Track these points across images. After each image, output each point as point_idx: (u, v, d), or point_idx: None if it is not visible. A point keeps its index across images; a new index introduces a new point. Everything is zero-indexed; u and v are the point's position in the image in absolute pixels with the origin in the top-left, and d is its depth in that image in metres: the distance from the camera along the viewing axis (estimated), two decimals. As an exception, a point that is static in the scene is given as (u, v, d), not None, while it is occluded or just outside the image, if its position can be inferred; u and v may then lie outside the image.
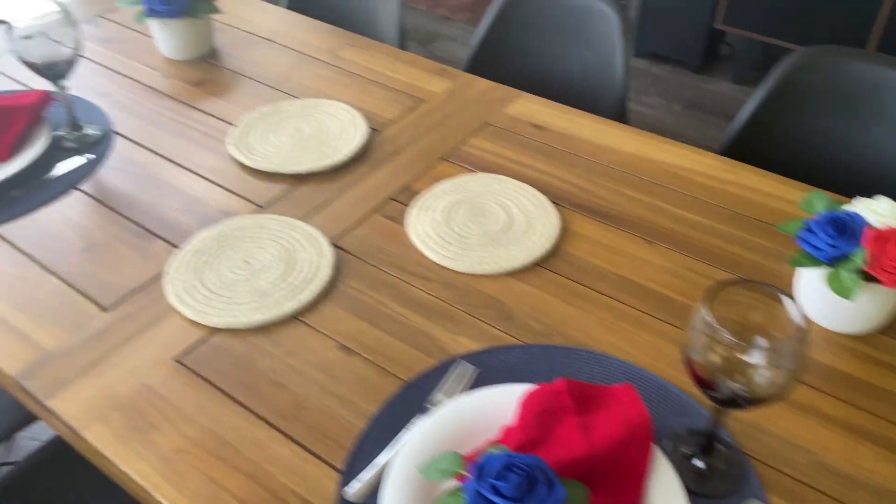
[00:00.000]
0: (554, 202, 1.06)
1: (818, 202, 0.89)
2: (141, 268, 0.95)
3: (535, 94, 1.31)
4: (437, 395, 0.78)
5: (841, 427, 0.77)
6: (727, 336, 0.60)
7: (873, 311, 0.84)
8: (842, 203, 0.88)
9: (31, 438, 1.66)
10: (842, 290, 0.80)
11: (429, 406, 0.78)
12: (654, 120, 2.70)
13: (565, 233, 1.01)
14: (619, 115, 1.41)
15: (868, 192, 1.20)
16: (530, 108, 1.27)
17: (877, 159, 1.22)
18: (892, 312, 0.86)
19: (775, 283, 0.93)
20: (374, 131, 1.21)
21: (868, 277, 0.81)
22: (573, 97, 1.47)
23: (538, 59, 1.51)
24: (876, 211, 0.83)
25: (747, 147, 1.29)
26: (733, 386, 0.63)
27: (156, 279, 0.94)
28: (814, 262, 0.83)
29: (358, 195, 1.08)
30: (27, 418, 1.12)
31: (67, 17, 1.06)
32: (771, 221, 1.03)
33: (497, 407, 0.76)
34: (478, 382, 0.81)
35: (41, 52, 1.07)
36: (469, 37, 3.26)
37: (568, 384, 0.75)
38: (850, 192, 1.20)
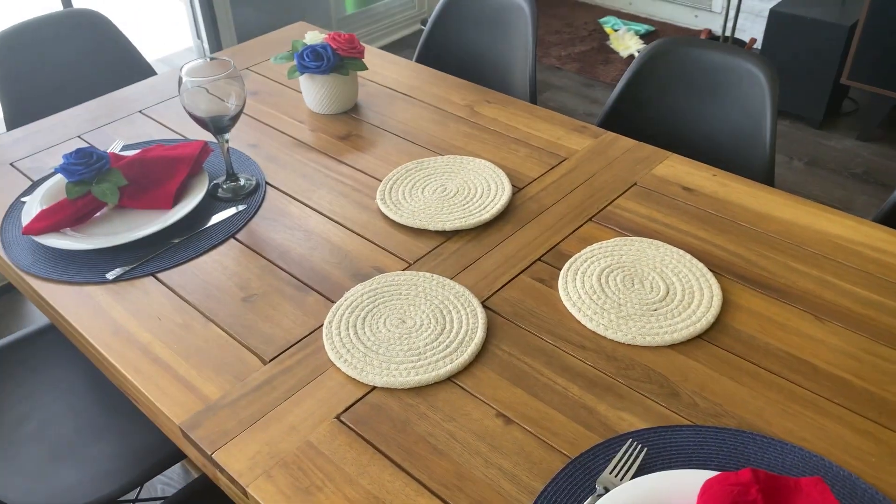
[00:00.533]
0: (713, 271, 1.02)
1: None
2: (298, 320, 0.97)
3: (679, 154, 1.27)
4: (607, 476, 0.75)
5: None
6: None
7: None
8: None
9: (165, 483, 1.71)
10: None
11: (599, 487, 0.74)
12: (777, 176, 2.60)
13: (727, 304, 0.97)
14: (768, 179, 1.36)
15: None
16: (678, 169, 1.23)
17: None
18: None
19: (969, 373, 0.86)
20: (518, 189, 1.20)
21: None
22: (720, 160, 1.43)
23: (681, 118, 1.47)
24: None
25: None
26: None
27: (313, 333, 0.95)
28: None
29: (505, 255, 1.07)
30: (170, 460, 1.15)
31: (235, 75, 1.11)
32: (955, 302, 0.96)
33: (674, 493, 0.72)
34: (646, 464, 0.77)
35: (208, 107, 1.11)
36: (579, 87, 3.25)
37: (754, 475, 0.70)
38: None
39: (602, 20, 3.63)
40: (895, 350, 0.89)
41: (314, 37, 1.38)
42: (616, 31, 3.49)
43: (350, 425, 0.83)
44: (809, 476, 0.73)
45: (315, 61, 1.35)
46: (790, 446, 0.78)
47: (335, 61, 1.36)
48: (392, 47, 3.59)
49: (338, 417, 0.84)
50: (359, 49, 1.38)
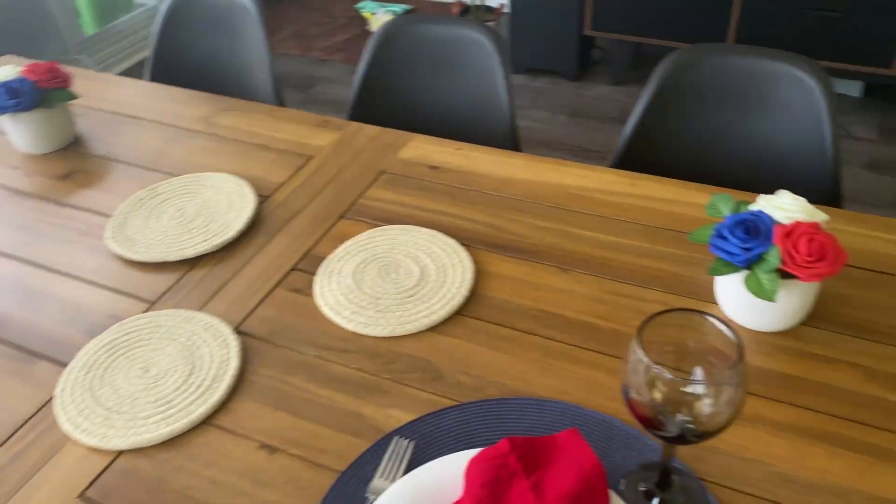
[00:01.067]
0: (464, 244, 1.03)
1: (723, 205, 0.89)
2: (25, 396, 0.85)
3: (425, 132, 1.28)
4: (376, 482, 0.73)
5: (788, 431, 0.76)
6: (665, 373, 0.57)
7: (795, 306, 0.84)
8: (747, 202, 0.88)
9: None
10: (763, 293, 0.79)
11: (369, 496, 0.72)
12: (544, 133, 2.73)
13: (481, 275, 0.98)
14: (511, 138, 1.40)
15: (769, 182, 1.23)
16: (423, 149, 1.23)
17: (768, 149, 1.25)
18: (812, 304, 0.86)
19: (697, 292, 0.93)
20: (264, 199, 1.15)
21: (785, 275, 0.81)
22: (463, 129, 1.45)
23: (422, 95, 1.48)
24: (780, 207, 0.84)
25: (641, 155, 1.30)
26: (681, 421, 0.60)
27: (44, 406, 0.84)
28: (731, 268, 0.82)
29: (257, 272, 1.01)
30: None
31: None
32: (680, 229, 1.03)
33: (442, 483, 0.70)
34: (416, 457, 0.76)
35: None
36: (348, 76, 3.22)
37: (511, 443, 0.70)
38: (753, 186, 1.22)
39: (358, 6, 3.61)
40: (634, 286, 0.95)
41: (8, 72, 1.23)
42: (374, 14, 3.49)
43: (98, 501, 0.74)
44: (566, 429, 0.75)
45: (12, 99, 1.20)
46: (549, 402, 0.80)
47: (37, 95, 1.21)
48: (141, 67, 3.35)
49: (82, 496, 0.75)
50: (62, 77, 1.25)
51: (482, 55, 1.40)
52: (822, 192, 1.21)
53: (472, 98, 1.44)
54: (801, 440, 0.75)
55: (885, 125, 2.64)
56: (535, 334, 0.89)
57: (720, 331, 0.60)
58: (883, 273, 0.94)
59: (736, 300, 0.86)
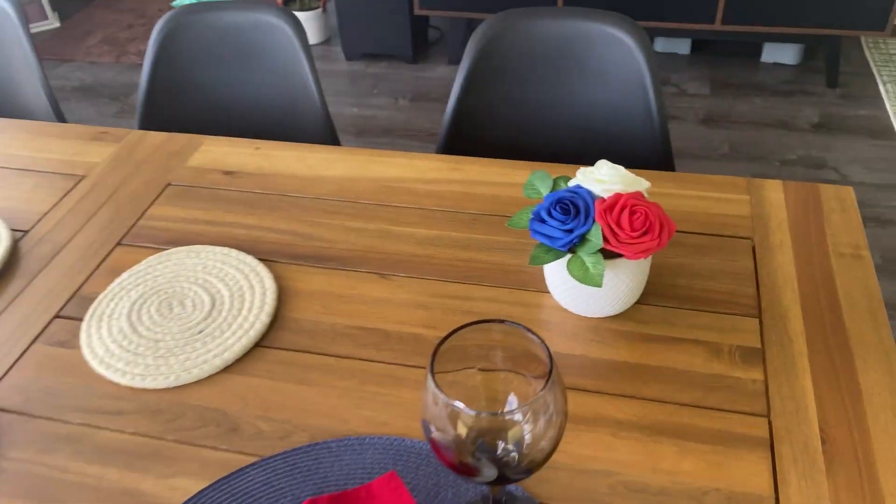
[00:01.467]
0: (264, 260, 0.88)
1: (541, 184, 0.79)
2: None
3: (228, 134, 1.12)
4: (151, 582, 0.58)
5: (634, 430, 0.68)
6: (466, 409, 0.46)
7: (628, 286, 0.75)
8: (567, 178, 0.79)
9: None
10: (588, 278, 0.70)
11: None
12: (386, 120, 2.61)
13: (285, 294, 0.84)
14: (327, 130, 1.26)
15: (599, 151, 1.16)
16: (217, 152, 1.07)
17: (593, 115, 1.18)
18: (644, 280, 0.79)
19: (528, 282, 0.83)
20: (22, 234, 0.95)
21: (611, 254, 0.72)
22: (272, 126, 1.30)
23: (221, 92, 1.31)
24: (599, 179, 0.75)
25: (465, 137, 1.20)
26: (501, 455, 0.49)
27: None
28: (553, 254, 0.73)
29: (9, 327, 0.82)
30: None
31: None
32: (506, 214, 0.93)
33: (233, 569, 0.57)
34: (207, 536, 0.61)
35: None
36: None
37: (314, 506, 0.57)
38: (584, 158, 1.14)
39: (175, 3, 3.33)
40: (460, 283, 0.84)
41: None
42: (193, 10, 3.23)
43: None
44: (384, 473, 0.63)
45: None
46: (368, 440, 0.68)
47: None
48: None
49: None
50: None
51: (282, 40, 1.25)
52: (653, 154, 1.15)
53: (278, 90, 1.28)
54: (649, 439, 0.67)
55: (715, 79, 2.71)
56: (350, 357, 0.76)
57: (529, 340, 0.50)
58: (715, 235, 0.88)
59: (566, 287, 0.77)
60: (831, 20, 2.42)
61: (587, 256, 0.71)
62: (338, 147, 1.07)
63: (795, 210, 0.90)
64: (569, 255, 0.73)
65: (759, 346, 0.74)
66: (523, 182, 0.98)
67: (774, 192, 0.93)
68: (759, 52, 2.82)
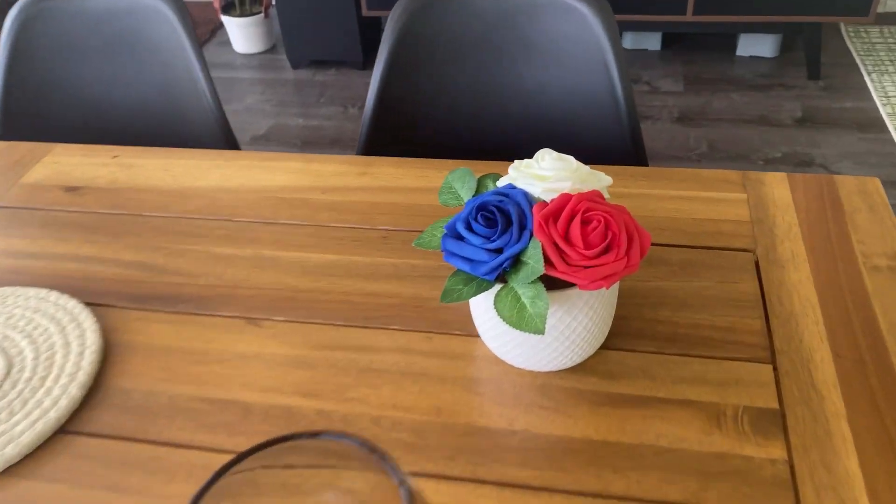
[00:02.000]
0: (94, 304, 0.65)
1: (460, 185, 0.57)
2: None
3: (102, 140, 0.88)
4: None
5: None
6: None
7: (586, 328, 0.53)
8: (498, 175, 0.57)
9: None
10: (525, 322, 0.47)
11: None
12: (335, 129, 2.38)
13: (114, 352, 0.60)
14: (222, 132, 1.02)
15: (537, 144, 0.94)
16: (64, 163, 0.83)
17: (541, 102, 0.96)
18: (610, 318, 0.56)
19: (451, 321, 0.60)
20: None
21: (559, 282, 0.50)
22: (157, 130, 1.06)
23: (93, 90, 1.07)
24: (539, 175, 0.52)
25: (389, 137, 0.97)
26: None
27: None
28: (476, 285, 0.50)
29: None
30: None
31: None
32: (421, 227, 0.70)
33: None
34: None
35: None
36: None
37: None
38: (522, 150, 0.92)
39: None
40: (356, 328, 0.61)
41: None
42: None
43: None
44: None
45: None
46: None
47: None
48: None
49: None
50: None
51: (165, 29, 1.02)
52: (619, 147, 0.93)
53: (161, 87, 1.05)
54: (623, 564, 0.44)
55: (688, 75, 2.51)
56: (189, 447, 0.53)
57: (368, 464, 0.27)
58: (704, 248, 0.66)
59: (499, 332, 0.54)
60: (811, 7, 2.24)
61: (523, 288, 0.48)
62: (214, 151, 0.84)
63: (808, 210, 0.68)
64: (497, 287, 0.50)
65: (776, 405, 0.52)
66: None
67: (778, 187, 0.71)
68: (734, 46, 2.63)
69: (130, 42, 1.04)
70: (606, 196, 0.53)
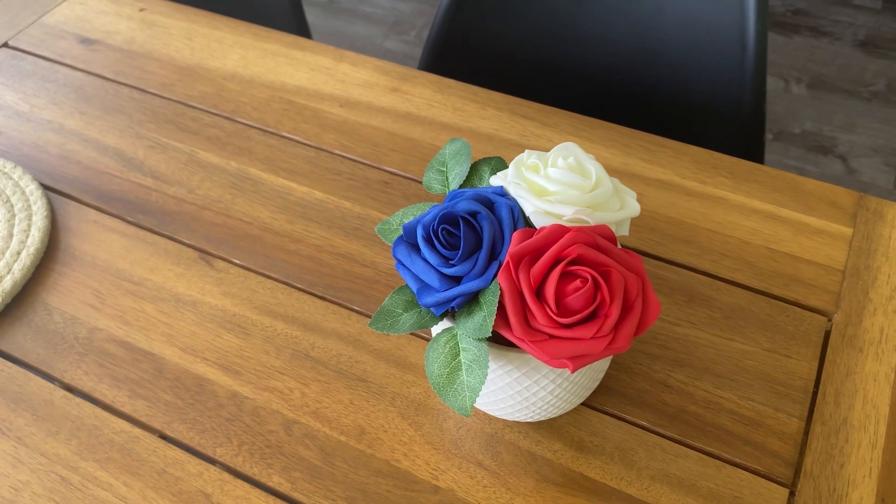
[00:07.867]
0: (55, 191, 0.58)
1: (453, 163, 0.44)
2: None
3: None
4: None
5: None
6: None
7: (553, 394, 0.41)
8: (504, 164, 0.44)
9: None
10: (450, 391, 0.36)
11: None
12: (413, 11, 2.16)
13: (55, 255, 0.54)
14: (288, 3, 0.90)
15: (645, 85, 0.77)
16: (89, 7, 0.75)
17: (648, 21, 0.77)
18: (589, 383, 0.44)
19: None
20: None
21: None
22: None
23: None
24: (538, 186, 0.39)
25: (462, 36, 0.82)
26: None
27: None
28: (415, 317, 0.39)
29: None
30: None
31: None
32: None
33: None
34: None
35: None
36: None
37: None
38: (625, 94, 0.77)
39: None
40: (316, 298, 0.51)
41: None
42: None
43: None
44: None
45: None
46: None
47: None
48: None
49: None
50: None
51: None
52: (733, 113, 0.74)
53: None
54: None
55: (891, -11, 2.08)
56: (88, 399, 0.47)
57: None
58: (768, 296, 0.50)
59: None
60: None
61: (466, 342, 0.37)
62: (243, 25, 0.72)
63: (931, 272, 0.51)
64: (442, 326, 0.39)
65: (774, 549, 0.40)
66: (499, 128, 0.61)
67: (903, 226, 0.54)
68: (964, -40, 2.14)
69: None
70: (623, 231, 0.40)
